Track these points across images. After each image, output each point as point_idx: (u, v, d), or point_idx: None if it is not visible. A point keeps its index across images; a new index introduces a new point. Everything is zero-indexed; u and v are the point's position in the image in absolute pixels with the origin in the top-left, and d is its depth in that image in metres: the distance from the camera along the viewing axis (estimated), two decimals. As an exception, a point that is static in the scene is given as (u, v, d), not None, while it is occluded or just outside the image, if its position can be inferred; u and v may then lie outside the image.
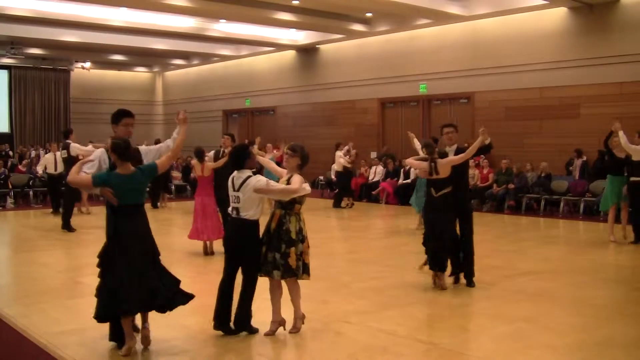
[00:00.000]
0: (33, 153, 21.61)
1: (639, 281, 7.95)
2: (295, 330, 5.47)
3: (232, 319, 5.42)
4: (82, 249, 10.42)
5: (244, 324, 5.39)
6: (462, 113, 18.28)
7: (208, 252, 9.42)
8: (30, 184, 17.47)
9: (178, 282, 5.15)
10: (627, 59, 14.60)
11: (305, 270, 5.37)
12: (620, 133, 9.97)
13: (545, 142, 16.08)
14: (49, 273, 8.19)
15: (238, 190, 5.27)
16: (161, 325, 5.44)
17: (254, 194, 5.24)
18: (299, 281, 5.44)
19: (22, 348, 5.25)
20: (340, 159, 16.40)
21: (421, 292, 7.06)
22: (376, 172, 18.44)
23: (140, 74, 30.38)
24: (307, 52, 22.75)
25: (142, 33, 20.97)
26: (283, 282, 5.43)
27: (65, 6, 17.80)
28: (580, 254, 9.66)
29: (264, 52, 24.00)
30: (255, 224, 5.33)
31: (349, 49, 21.11)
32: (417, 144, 8.60)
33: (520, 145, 16.28)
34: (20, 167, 18.84)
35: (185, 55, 26.12)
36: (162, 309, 5.07)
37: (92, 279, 7.75)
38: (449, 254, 7.05)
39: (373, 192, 17.78)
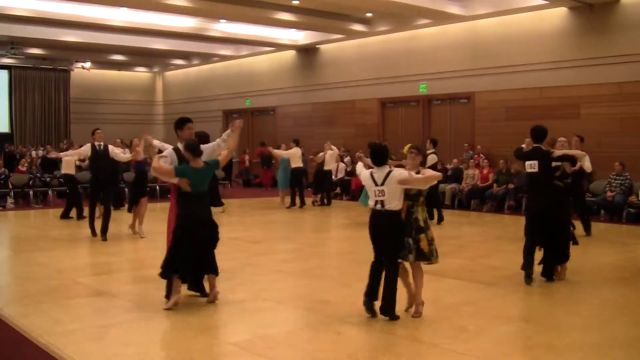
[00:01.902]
0: (34, 154, 21.61)
1: (639, 281, 7.94)
2: (418, 315, 5.86)
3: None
4: (82, 249, 10.43)
5: (388, 310, 5.78)
6: (462, 113, 18.29)
7: None
8: (30, 184, 17.46)
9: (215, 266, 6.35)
10: (626, 59, 14.60)
11: (437, 255, 5.99)
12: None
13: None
14: (49, 273, 8.17)
15: (382, 185, 5.83)
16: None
17: (397, 186, 5.78)
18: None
19: (22, 348, 5.25)
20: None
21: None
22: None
23: (140, 74, 30.38)
24: (307, 52, 22.76)
25: (142, 33, 20.98)
26: (408, 266, 6.02)
27: (65, 6, 17.80)
28: (580, 253, 9.64)
29: (264, 52, 24.01)
30: (398, 213, 5.88)
31: (349, 49, 21.11)
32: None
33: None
34: (20, 167, 18.85)
35: (185, 55, 26.12)
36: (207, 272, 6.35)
37: (92, 279, 7.79)
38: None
39: None
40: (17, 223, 14.32)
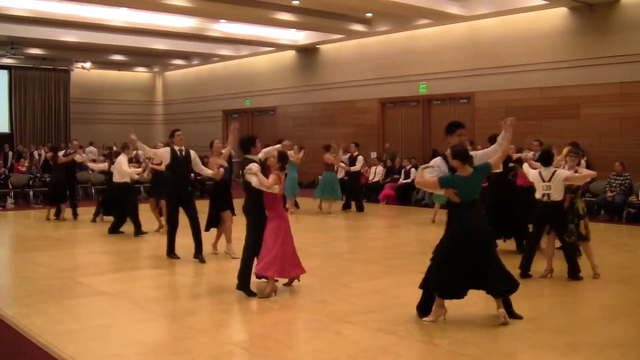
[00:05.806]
0: (36, 154, 21.60)
1: (639, 281, 7.94)
2: (597, 276, 7.64)
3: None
4: (82, 248, 10.45)
5: (573, 274, 7.57)
6: (462, 113, 18.26)
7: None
8: (30, 184, 17.46)
9: (506, 272, 5.83)
10: (627, 59, 14.60)
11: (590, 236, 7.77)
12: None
13: (545, 142, 16.07)
14: (49, 273, 8.18)
15: (549, 181, 7.46)
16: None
17: (561, 183, 7.41)
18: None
19: (22, 348, 5.25)
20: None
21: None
22: (376, 172, 18.44)
23: (140, 74, 30.38)
24: (307, 52, 22.76)
25: (142, 33, 20.97)
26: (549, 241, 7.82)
27: (65, 6, 17.80)
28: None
29: (264, 52, 24.01)
30: (561, 203, 7.50)
31: (349, 49, 21.11)
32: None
33: (520, 145, 16.27)
34: (19, 167, 18.86)
35: (185, 55, 26.12)
36: (485, 288, 5.78)
37: (92, 279, 7.79)
38: None
39: (380, 198, 17.54)
40: (17, 223, 14.33)
